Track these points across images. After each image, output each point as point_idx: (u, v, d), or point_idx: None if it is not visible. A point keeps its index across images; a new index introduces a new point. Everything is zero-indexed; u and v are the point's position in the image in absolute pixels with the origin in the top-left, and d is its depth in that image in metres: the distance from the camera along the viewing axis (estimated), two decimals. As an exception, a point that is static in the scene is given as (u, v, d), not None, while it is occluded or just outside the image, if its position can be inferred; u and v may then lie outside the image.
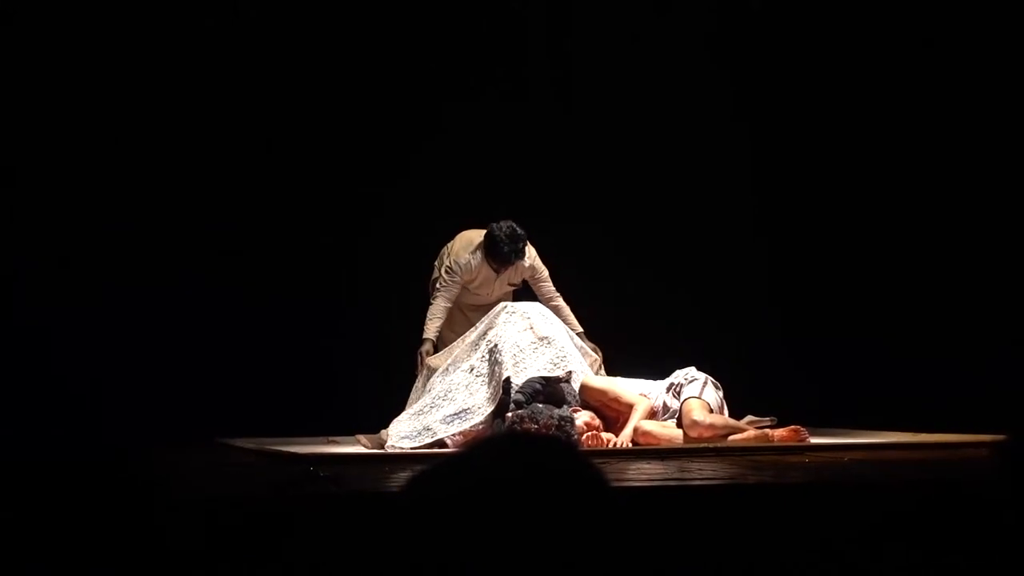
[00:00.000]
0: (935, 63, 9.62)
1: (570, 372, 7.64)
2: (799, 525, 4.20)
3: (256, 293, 9.48)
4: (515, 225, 8.12)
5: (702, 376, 7.64)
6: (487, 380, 7.59)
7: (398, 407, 7.73)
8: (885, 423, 8.11)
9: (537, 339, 7.65)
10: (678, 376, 7.67)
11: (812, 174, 10.07)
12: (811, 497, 4.58)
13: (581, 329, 8.28)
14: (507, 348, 7.56)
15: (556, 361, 7.61)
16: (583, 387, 7.58)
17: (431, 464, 1.63)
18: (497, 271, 8.31)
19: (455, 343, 7.99)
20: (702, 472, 5.70)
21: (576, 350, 7.85)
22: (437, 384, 7.76)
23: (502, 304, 7.99)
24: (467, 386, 7.63)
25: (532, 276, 8.41)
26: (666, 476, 5.56)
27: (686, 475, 5.61)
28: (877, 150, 9.89)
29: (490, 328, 7.80)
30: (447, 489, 1.56)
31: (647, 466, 6.07)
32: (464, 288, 8.37)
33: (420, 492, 1.57)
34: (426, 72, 9.86)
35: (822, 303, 9.94)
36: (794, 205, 10.12)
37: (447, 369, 7.84)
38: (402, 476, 5.69)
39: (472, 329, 7.98)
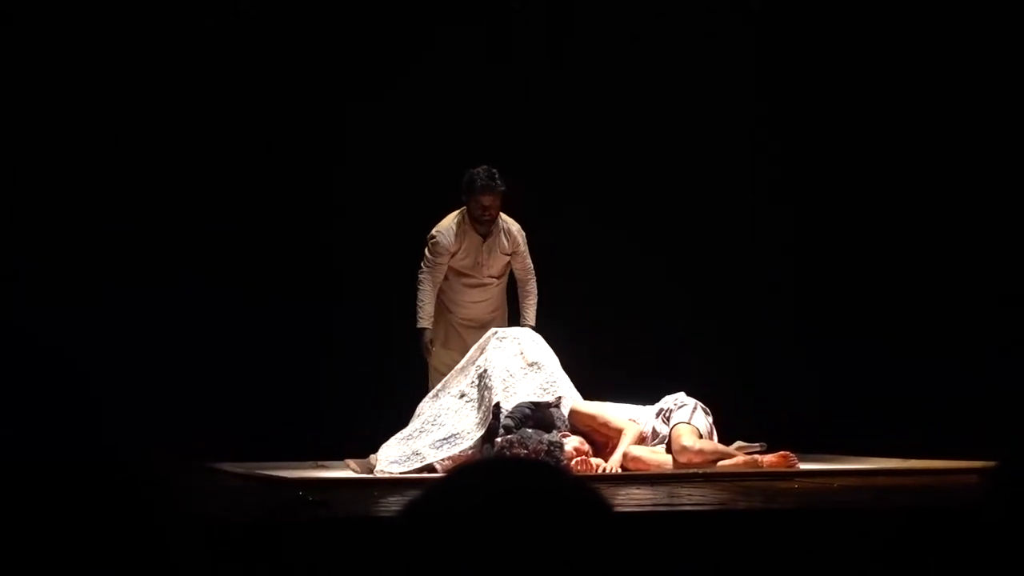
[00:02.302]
0: (936, 64, 9.54)
1: (560, 397, 7.64)
2: (789, 551, 4.20)
3: (245, 316, 9.47)
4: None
5: (691, 401, 7.63)
6: (477, 405, 7.59)
7: (387, 432, 7.72)
8: (884, 444, 8.10)
9: (527, 364, 7.65)
10: (667, 401, 7.67)
11: (812, 177, 10.00)
12: (800, 523, 4.57)
13: (534, 324, 8.46)
14: (497, 373, 7.56)
15: (546, 386, 7.61)
16: (572, 412, 7.57)
17: (426, 487, 1.63)
18: (483, 235, 8.38)
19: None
20: (691, 498, 5.70)
21: (565, 375, 7.85)
22: (426, 409, 7.76)
23: (492, 330, 8.00)
24: (456, 411, 7.63)
25: (516, 250, 8.48)
26: (655, 501, 5.56)
27: (675, 501, 5.61)
28: (875, 155, 9.84)
29: (480, 353, 7.81)
30: (444, 512, 1.55)
31: (636, 491, 6.06)
32: (453, 279, 8.41)
33: (418, 514, 1.57)
34: (420, 74, 9.87)
35: (823, 313, 9.92)
36: (794, 209, 10.07)
37: (437, 395, 7.84)
38: (391, 501, 5.68)
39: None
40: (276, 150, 9.68)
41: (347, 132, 9.79)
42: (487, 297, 8.60)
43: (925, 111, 9.59)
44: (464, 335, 8.50)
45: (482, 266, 8.47)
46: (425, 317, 8.40)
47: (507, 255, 8.53)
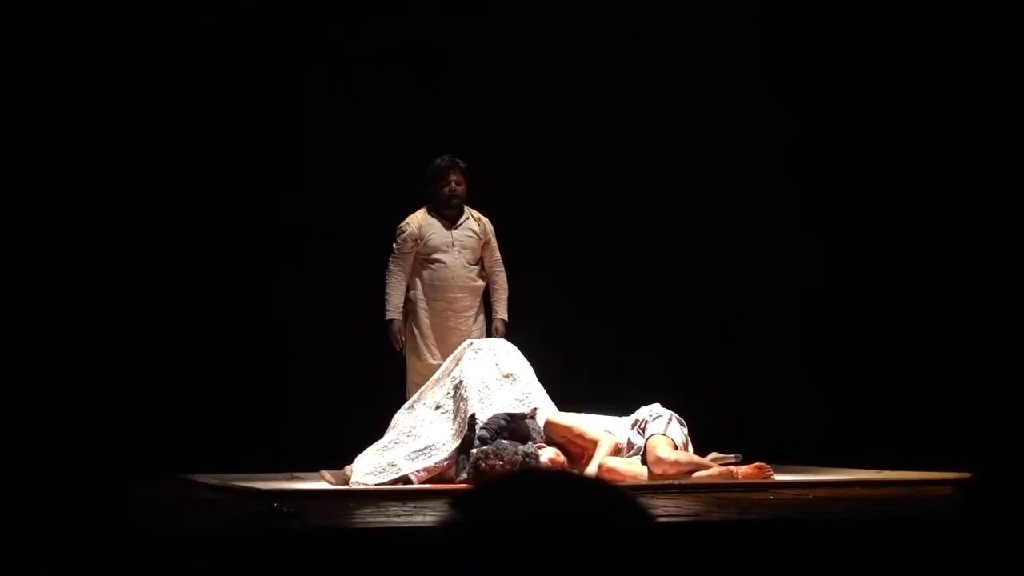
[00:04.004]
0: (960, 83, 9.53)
1: (535, 409, 7.64)
2: (763, 562, 4.20)
3: (219, 327, 9.44)
4: None
5: (667, 413, 7.64)
6: (452, 416, 7.59)
7: (362, 443, 7.71)
8: (859, 455, 8.11)
9: (502, 376, 7.66)
10: (643, 413, 7.67)
11: (803, 183, 9.96)
12: (775, 534, 4.57)
13: (506, 317, 8.60)
14: (473, 384, 7.56)
15: (521, 397, 7.62)
16: (548, 423, 7.58)
17: (464, 499, 1.62)
18: (451, 219, 8.46)
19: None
20: (666, 509, 5.70)
21: (541, 386, 7.85)
22: (402, 420, 7.76)
23: (468, 341, 8.00)
24: (432, 423, 7.63)
25: (487, 238, 8.60)
26: (631, 513, 5.53)
27: (650, 512, 5.60)
28: (865, 160, 9.83)
29: (456, 365, 7.81)
30: (489, 520, 1.55)
31: (612, 503, 6.04)
32: (428, 271, 8.42)
33: (459, 526, 1.56)
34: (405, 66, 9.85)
35: (800, 325, 9.92)
36: (779, 219, 10.06)
37: (412, 406, 7.84)
38: (366, 512, 5.67)
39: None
40: (248, 152, 9.63)
41: (316, 132, 9.75)
42: (462, 293, 8.57)
43: (916, 124, 9.59)
44: (440, 345, 8.48)
45: (452, 245, 8.51)
46: (392, 308, 8.51)
47: (480, 239, 8.57)
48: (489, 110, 9.93)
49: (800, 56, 9.96)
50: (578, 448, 7.54)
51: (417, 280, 8.54)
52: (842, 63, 9.86)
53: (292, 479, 7.72)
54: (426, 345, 8.53)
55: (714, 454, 7.59)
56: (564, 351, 9.07)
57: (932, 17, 9.53)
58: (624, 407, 7.78)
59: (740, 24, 10.07)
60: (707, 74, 10.07)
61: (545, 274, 9.67)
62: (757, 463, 7.48)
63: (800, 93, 9.94)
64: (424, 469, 7.37)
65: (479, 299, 8.67)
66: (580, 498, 1.60)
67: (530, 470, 1.78)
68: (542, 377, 7.91)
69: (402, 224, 8.54)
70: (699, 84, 10.07)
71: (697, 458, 7.51)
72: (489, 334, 8.56)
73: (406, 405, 7.92)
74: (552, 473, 1.76)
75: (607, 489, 1.65)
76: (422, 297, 8.54)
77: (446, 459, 7.41)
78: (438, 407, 7.72)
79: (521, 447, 7.18)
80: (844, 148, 9.86)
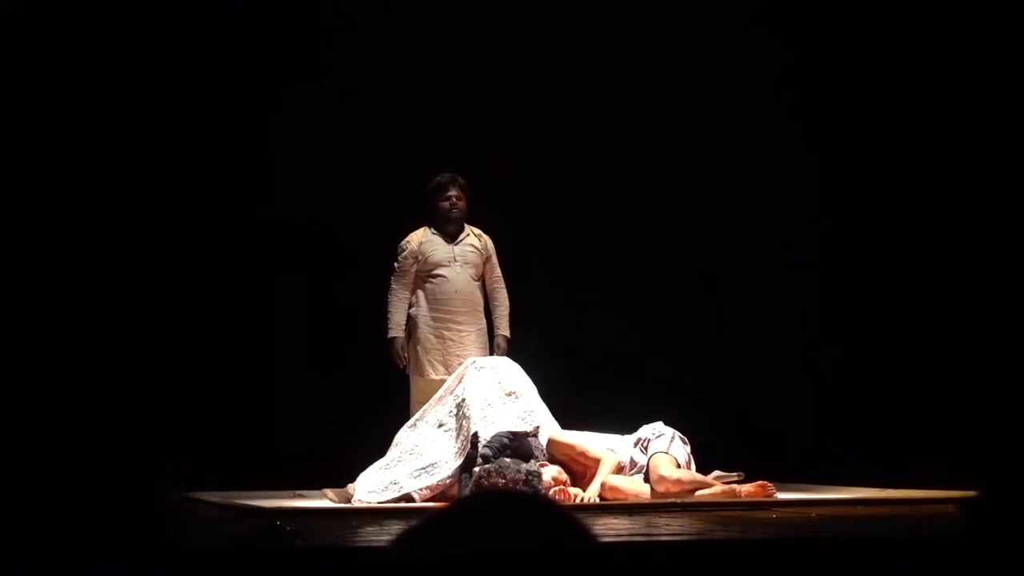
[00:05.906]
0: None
1: (538, 427, 7.64)
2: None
3: (223, 344, 9.43)
4: None
5: (669, 431, 7.64)
6: (455, 435, 7.60)
7: (365, 461, 7.71)
8: (862, 474, 8.09)
9: (505, 394, 7.66)
10: (645, 431, 7.67)
11: (800, 194, 9.95)
12: (778, 553, 4.57)
13: (508, 334, 8.61)
14: (475, 402, 7.56)
15: (524, 416, 7.62)
16: (550, 442, 7.57)
17: (422, 521, 1.62)
18: (452, 234, 8.51)
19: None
20: (669, 527, 5.69)
21: (544, 404, 7.85)
22: (404, 438, 7.76)
23: (471, 359, 8.01)
24: (435, 440, 7.64)
25: (489, 254, 8.64)
26: (633, 531, 5.54)
27: (653, 530, 5.60)
28: (871, 175, 9.83)
29: (458, 383, 7.81)
30: (441, 547, 1.54)
31: (614, 521, 6.05)
32: (430, 287, 8.43)
33: (413, 550, 1.56)
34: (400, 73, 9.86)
35: (800, 343, 9.90)
36: (776, 236, 10.07)
37: (415, 424, 7.84)
38: (369, 530, 5.67)
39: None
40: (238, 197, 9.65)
41: (313, 141, 9.76)
42: (465, 307, 8.57)
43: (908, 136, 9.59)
44: (442, 360, 8.48)
45: (455, 260, 8.52)
46: (394, 326, 8.53)
47: (482, 254, 8.60)
48: (488, 111, 9.95)
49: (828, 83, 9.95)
50: (581, 466, 7.54)
51: (420, 294, 8.54)
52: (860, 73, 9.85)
53: (294, 497, 7.73)
54: (428, 361, 8.52)
55: (717, 472, 7.59)
56: (564, 366, 9.07)
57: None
58: (626, 425, 7.78)
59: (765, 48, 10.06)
60: (706, 76, 10.07)
61: (545, 285, 9.68)
62: (760, 481, 7.48)
63: (808, 98, 9.95)
64: (427, 487, 7.37)
65: (481, 315, 8.67)
66: (522, 525, 1.59)
67: (470, 500, 1.74)
68: (544, 393, 7.91)
69: (402, 243, 8.57)
70: (699, 86, 10.07)
71: (700, 476, 7.51)
72: (491, 351, 8.56)
73: (409, 423, 7.92)
74: (493, 500, 1.75)
75: (549, 513, 1.64)
76: (424, 313, 8.54)
77: (449, 477, 7.41)
78: (441, 425, 7.72)
79: (524, 465, 7.18)
80: (848, 156, 9.84)
